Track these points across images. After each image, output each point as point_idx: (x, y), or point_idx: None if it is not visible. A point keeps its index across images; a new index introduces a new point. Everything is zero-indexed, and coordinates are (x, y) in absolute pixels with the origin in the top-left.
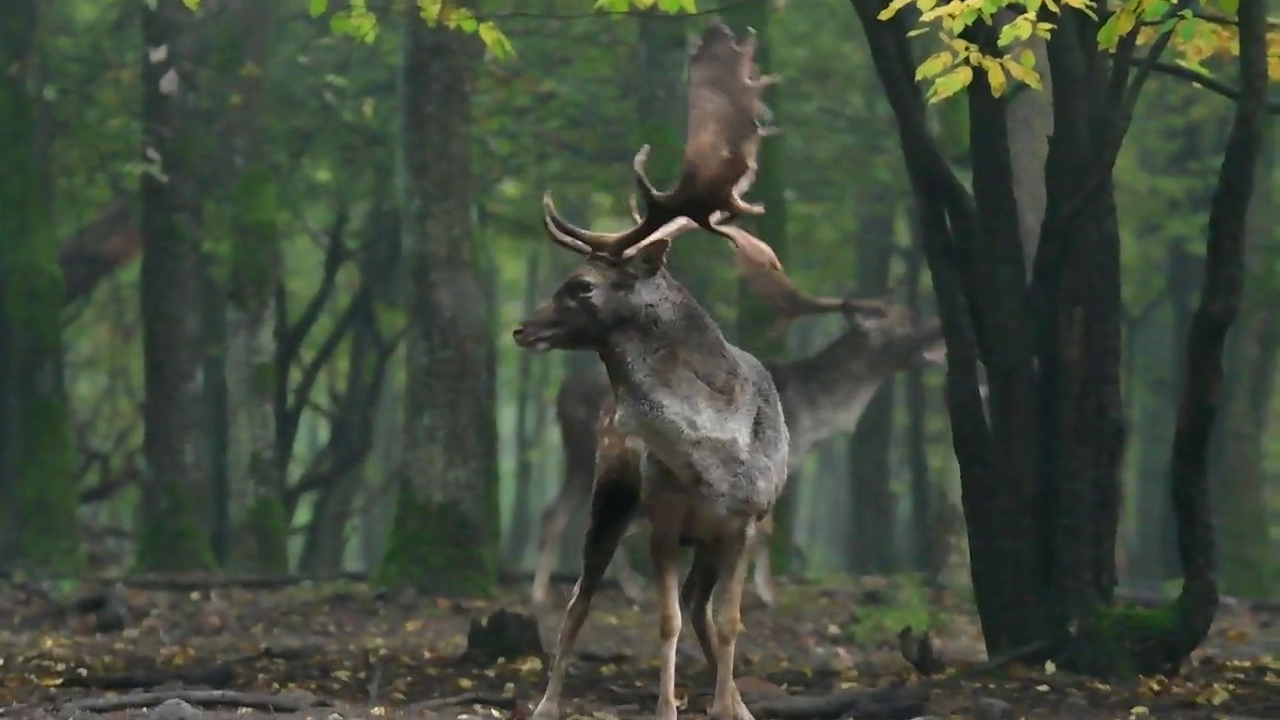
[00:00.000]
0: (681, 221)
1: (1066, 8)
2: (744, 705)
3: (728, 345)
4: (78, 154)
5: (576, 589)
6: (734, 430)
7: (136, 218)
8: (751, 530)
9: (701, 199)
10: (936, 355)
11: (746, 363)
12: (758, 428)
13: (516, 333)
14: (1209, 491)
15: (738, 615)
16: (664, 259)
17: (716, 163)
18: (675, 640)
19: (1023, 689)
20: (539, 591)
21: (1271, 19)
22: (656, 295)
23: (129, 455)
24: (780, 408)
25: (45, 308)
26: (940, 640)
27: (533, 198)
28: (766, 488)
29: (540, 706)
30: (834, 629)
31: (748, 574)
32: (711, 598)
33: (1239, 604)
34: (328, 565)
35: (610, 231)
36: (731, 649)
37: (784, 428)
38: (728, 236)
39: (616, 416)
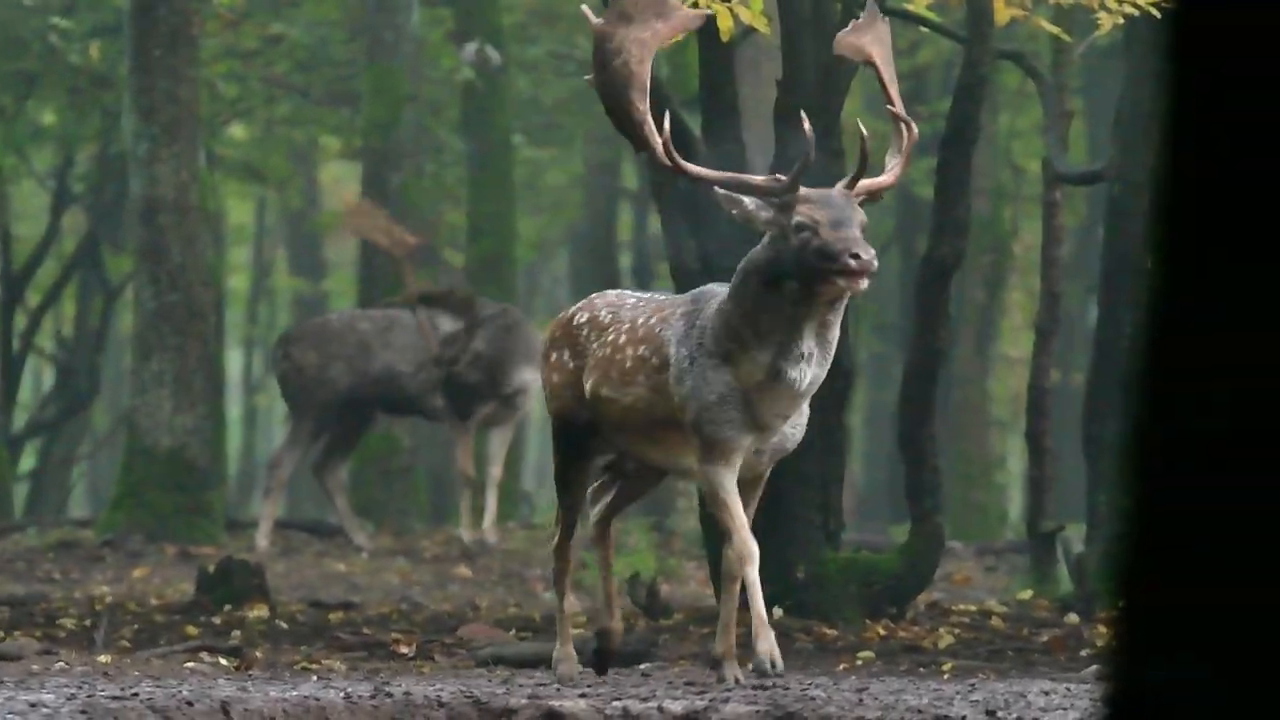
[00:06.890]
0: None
1: None
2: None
3: None
4: None
5: (557, 530)
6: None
7: None
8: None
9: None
10: None
11: None
12: None
13: (861, 260)
14: (936, 435)
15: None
16: None
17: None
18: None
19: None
20: (263, 539)
21: None
22: None
23: None
24: None
25: None
26: (668, 586)
27: (262, 140)
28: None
29: (556, 651)
30: None
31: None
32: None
33: (965, 548)
34: (53, 511)
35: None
36: (738, 585)
37: None
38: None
39: (790, 373)
